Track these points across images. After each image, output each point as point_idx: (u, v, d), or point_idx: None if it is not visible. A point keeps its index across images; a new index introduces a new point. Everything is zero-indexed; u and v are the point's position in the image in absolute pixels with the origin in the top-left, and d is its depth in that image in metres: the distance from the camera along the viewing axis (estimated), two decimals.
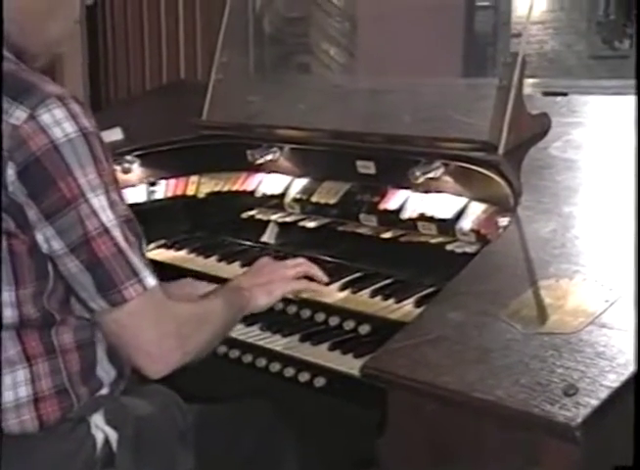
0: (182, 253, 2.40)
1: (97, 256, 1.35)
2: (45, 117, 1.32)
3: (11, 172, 1.31)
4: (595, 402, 1.17)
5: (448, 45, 4.83)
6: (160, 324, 1.42)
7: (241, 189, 2.47)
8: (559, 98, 2.15)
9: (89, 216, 1.34)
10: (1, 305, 1.39)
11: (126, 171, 2.41)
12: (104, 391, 1.51)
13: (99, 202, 1.35)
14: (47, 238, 1.35)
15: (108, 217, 1.36)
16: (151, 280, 1.39)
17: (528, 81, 2.10)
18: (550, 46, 9.21)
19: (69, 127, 1.33)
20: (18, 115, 1.31)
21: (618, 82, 2.55)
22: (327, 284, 1.94)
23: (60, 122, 1.32)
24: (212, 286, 1.91)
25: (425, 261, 2.06)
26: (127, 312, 1.39)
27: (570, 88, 2.30)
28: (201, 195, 2.54)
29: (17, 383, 1.42)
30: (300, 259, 1.92)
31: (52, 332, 1.44)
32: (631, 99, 1.91)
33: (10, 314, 1.40)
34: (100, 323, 1.44)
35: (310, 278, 1.90)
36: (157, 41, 3.93)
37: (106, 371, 1.51)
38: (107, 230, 1.36)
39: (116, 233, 1.37)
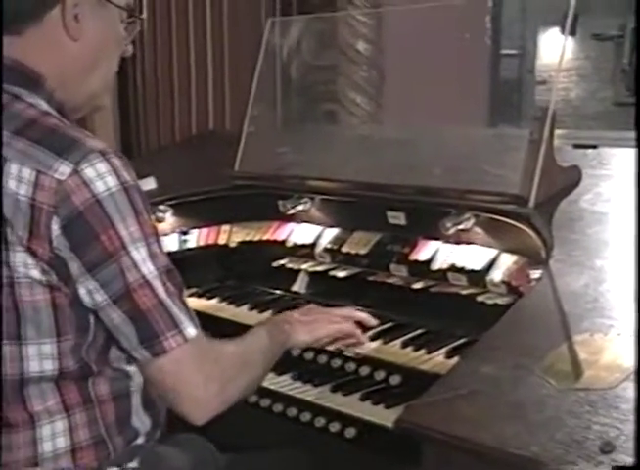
0: (214, 301, 2.42)
1: (138, 307, 1.37)
2: (88, 172, 1.34)
3: (55, 227, 1.33)
4: (632, 460, 1.17)
5: (474, 92, 4.86)
6: (205, 369, 1.43)
7: (272, 238, 2.51)
8: (589, 151, 2.17)
9: (130, 268, 1.36)
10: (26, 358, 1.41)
11: (159, 221, 2.45)
12: (139, 440, 1.52)
13: (139, 254, 1.37)
14: (89, 291, 1.37)
15: (148, 269, 1.38)
16: (191, 330, 1.40)
17: (557, 132, 2.12)
18: (575, 93, 9.26)
19: (111, 181, 1.35)
20: (62, 170, 1.34)
21: None
22: (363, 330, 1.94)
23: (102, 177, 1.35)
24: None
25: (456, 312, 2.07)
26: (171, 360, 1.39)
27: (598, 140, 2.32)
28: (232, 244, 2.58)
29: (55, 433, 1.43)
30: (347, 309, 1.95)
31: (89, 383, 1.45)
32: None
33: (50, 367, 1.41)
34: (144, 372, 1.45)
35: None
36: (186, 93, 4.00)
37: (141, 421, 1.52)
38: (147, 282, 1.37)
39: (157, 284, 1.38)
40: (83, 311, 1.40)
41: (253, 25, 4.25)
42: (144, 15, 1.62)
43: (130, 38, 1.60)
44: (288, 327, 1.75)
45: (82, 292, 1.38)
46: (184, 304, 1.43)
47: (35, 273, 1.36)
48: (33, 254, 1.35)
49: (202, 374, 1.42)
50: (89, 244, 1.35)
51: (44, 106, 1.44)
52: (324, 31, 4.14)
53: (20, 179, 1.34)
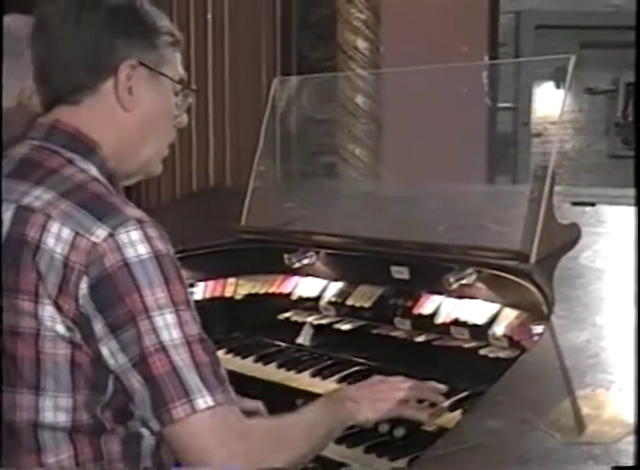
0: (219, 353, 2.39)
1: (152, 372, 1.36)
2: (122, 237, 1.38)
3: (84, 286, 1.37)
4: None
5: (472, 147, 4.94)
6: (228, 445, 1.37)
7: (277, 291, 2.55)
8: (587, 208, 2.22)
9: (148, 333, 1.36)
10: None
11: None
12: None
13: (163, 320, 1.37)
14: (112, 352, 1.38)
15: (171, 336, 1.37)
16: (206, 400, 1.36)
17: (556, 189, 2.18)
18: (571, 145, 9.39)
19: (143, 249, 1.38)
20: (99, 233, 1.38)
21: None
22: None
23: (134, 244, 1.38)
24: None
25: (458, 366, 2.10)
26: (186, 431, 1.36)
27: (596, 197, 2.38)
28: (238, 296, 2.62)
29: None
30: (414, 382, 1.86)
31: (102, 440, 1.45)
32: None
33: (64, 418, 1.43)
34: (169, 442, 1.41)
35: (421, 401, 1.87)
36: (187, 150, 4.06)
37: None
38: (164, 348, 1.36)
39: (177, 352, 1.36)
40: (103, 372, 1.42)
41: (254, 83, 4.35)
42: (195, 87, 1.67)
43: (183, 109, 1.65)
44: (352, 405, 1.71)
45: (105, 353, 1.39)
46: (216, 375, 1.39)
47: (60, 328, 1.39)
48: (60, 309, 1.38)
49: (226, 449, 1.37)
50: (114, 305, 1.37)
51: (94, 172, 1.49)
52: (325, 87, 4.22)
53: (58, 238, 1.38)
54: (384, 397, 1.78)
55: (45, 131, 1.53)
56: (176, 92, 1.63)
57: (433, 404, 1.88)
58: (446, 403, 1.90)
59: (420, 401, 1.87)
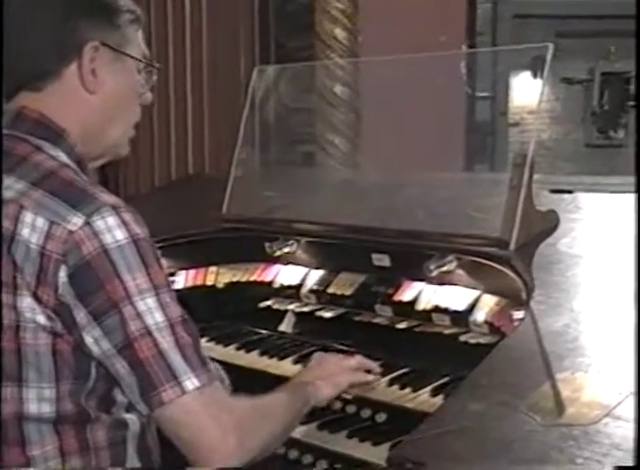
0: (201, 341, 2.45)
1: (138, 357, 1.38)
2: (99, 224, 1.38)
3: (62, 275, 1.37)
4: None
5: (451, 135, 4.98)
6: (221, 419, 1.42)
7: (259, 280, 2.57)
8: (566, 195, 2.26)
9: (133, 318, 1.38)
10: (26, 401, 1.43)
11: None
12: None
13: (145, 305, 1.39)
14: (96, 339, 1.39)
15: (154, 319, 1.39)
16: (193, 381, 1.39)
17: (535, 177, 2.21)
18: (547, 134, 9.45)
19: (120, 234, 1.39)
20: (75, 221, 1.38)
21: (618, 179, 2.68)
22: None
23: (111, 229, 1.39)
24: None
25: (439, 352, 2.13)
26: (180, 410, 1.39)
27: (574, 185, 2.41)
28: (220, 285, 2.62)
29: None
30: (359, 358, 1.98)
31: (87, 429, 1.46)
32: (631, 197, 2.02)
33: (48, 409, 1.43)
34: (159, 424, 1.45)
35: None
36: (166, 140, 4.06)
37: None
38: (149, 332, 1.38)
39: (162, 335, 1.39)
40: (85, 359, 1.43)
41: (232, 72, 4.35)
42: (158, 64, 1.68)
43: (147, 87, 1.65)
44: (311, 388, 1.77)
45: (89, 341, 1.40)
46: (198, 354, 1.43)
47: (41, 319, 1.40)
48: (39, 300, 1.39)
49: (218, 423, 1.41)
50: (95, 293, 1.38)
51: (63, 158, 1.50)
52: (304, 76, 4.23)
53: (33, 228, 1.39)
54: (336, 371, 1.86)
55: (11, 118, 1.53)
56: (139, 70, 1.63)
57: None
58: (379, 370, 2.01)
59: None
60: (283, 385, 1.78)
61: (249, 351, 2.34)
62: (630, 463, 1.28)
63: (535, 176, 2.10)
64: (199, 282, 2.62)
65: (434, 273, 2.12)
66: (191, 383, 1.39)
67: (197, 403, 1.40)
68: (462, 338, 2.09)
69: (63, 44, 1.52)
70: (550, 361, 1.55)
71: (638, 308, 1.40)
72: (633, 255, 1.60)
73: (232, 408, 1.46)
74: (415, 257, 2.18)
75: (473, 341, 2.06)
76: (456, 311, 2.11)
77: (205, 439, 1.41)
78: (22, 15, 1.52)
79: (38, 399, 1.43)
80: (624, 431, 1.34)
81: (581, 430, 1.37)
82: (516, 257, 1.98)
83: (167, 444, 1.49)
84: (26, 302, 1.39)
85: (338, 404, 2.01)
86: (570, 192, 2.28)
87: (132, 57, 1.60)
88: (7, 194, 1.42)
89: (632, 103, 9.52)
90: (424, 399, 1.94)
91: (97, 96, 1.55)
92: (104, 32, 1.55)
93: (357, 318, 2.34)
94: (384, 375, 2.05)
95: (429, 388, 1.97)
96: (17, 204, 1.41)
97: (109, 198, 1.43)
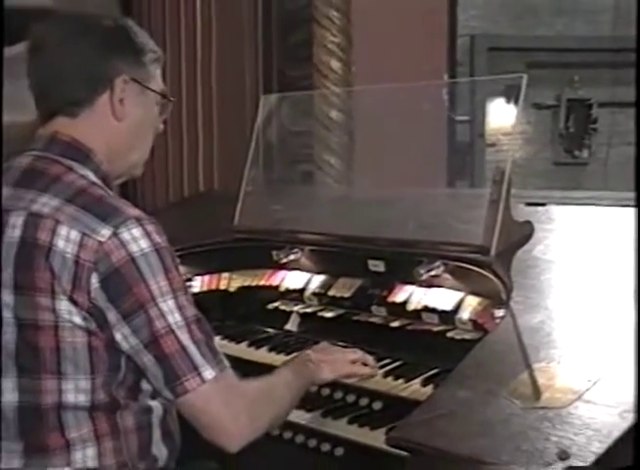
0: (215, 339, 2.47)
1: (164, 352, 1.43)
2: (125, 235, 1.43)
3: (94, 281, 1.42)
4: (584, 465, 1.27)
5: (434, 154, 5.00)
6: (233, 403, 1.47)
7: (267, 284, 2.59)
8: (539, 208, 2.29)
9: (158, 317, 1.43)
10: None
11: None
12: (158, 467, 1.57)
13: (167, 306, 1.44)
14: (125, 336, 1.44)
15: (175, 319, 1.44)
16: (211, 371, 1.45)
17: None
18: (520, 154, 9.49)
19: (144, 244, 1.44)
20: (104, 232, 1.43)
21: (584, 193, 2.72)
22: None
23: (136, 240, 1.43)
24: None
25: (429, 347, 2.15)
26: (199, 398, 1.45)
27: (546, 198, 2.45)
28: (232, 289, 2.65)
29: (86, 458, 1.48)
30: (358, 351, 1.97)
31: (117, 415, 1.50)
32: (596, 209, 2.06)
33: (83, 398, 1.47)
34: (180, 410, 1.51)
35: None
36: (179, 159, 4.08)
37: (159, 450, 1.57)
38: (172, 330, 1.44)
39: (182, 332, 1.44)
40: (116, 354, 1.47)
41: (239, 99, 4.39)
42: (173, 98, 1.73)
43: (162, 118, 1.70)
44: (313, 366, 1.78)
45: (119, 337, 1.45)
46: (211, 348, 1.48)
47: (77, 319, 1.44)
48: (75, 303, 1.43)
49: (230, 408, 1.47)
50: (123, 296, 1.43)
51: (91, 176, 1.54)
52: (303, 103, 4.27)
53: (67, 239, 1.43)
54: (339, 358, 1.87)
55: (45, 142, 1.56)
56: (157, 102, 1.67)
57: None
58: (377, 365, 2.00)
59: None
60: (286, 363, 1.81)
61: (258, 347, 2.37)
62: (598, 442, 1.32)
63: (512, 191, 2.13)
64: (213, 286, 2.65)
65: (424, 277, 2.13)
66: (209, 373, 1.45)
67: (213, 391, 1.45)
68: (449, 334, 2.11)
69: (97, 76, 1.56)
70: (528, 353, 1.58)
71: (638, 308, 1.43)
72: (633, 257, 1.62)
73: (243, 392, 1.52)
74: (406, 262, 2.21)
75: (458, 337, 2.08)
76: (443, 311, 2.13)
77: (220, 421, 1.47)
78: (61, 47, 1.55)
79: (75, 390, 1.47)
80: (593, 413, 1.38)
81: (555, 412, 1.40)
82: (496, 262, 2.01)
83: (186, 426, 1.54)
84: (64, 305, 1.43)
85: (339, 394, 2.04)
86: (543, 205, 2.32)
87: (154, 91, 1.65)
88: (44, 210, 1.46)
89: (593, 126, 9.64)
90: (415, 388, 1.97)
91: (123, 123, 1.59)
92: (132, 68, 1.59)
93: (355, 318, 2.36)
94: (379, 368, 2.09)
95: (420, 379, 2.00)
96: (53, 219, 1.45)
97: (133, 211, 1.48)
